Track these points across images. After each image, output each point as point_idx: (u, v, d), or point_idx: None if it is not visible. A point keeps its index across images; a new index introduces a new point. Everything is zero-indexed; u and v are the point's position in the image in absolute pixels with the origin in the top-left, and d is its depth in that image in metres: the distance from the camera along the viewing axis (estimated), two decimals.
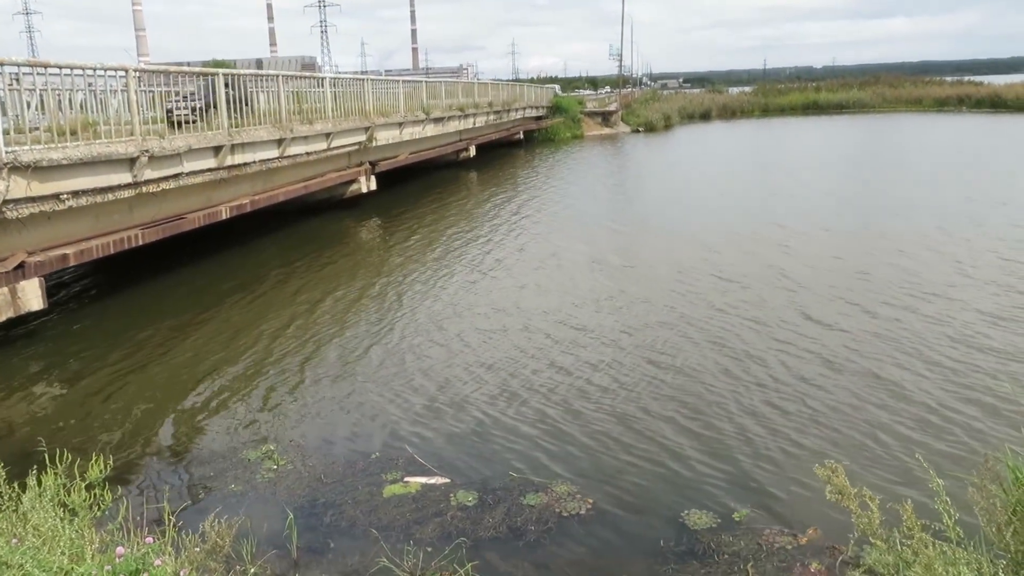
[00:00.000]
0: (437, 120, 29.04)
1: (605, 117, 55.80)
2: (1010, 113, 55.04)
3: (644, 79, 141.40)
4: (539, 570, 5.71)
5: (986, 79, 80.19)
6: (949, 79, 79.57)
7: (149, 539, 3.59)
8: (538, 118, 50.62)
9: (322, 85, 20.00)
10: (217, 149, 14.73)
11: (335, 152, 20.78)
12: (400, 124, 24.98)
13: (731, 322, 11.07)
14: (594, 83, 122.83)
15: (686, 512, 6.29)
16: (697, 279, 13.65)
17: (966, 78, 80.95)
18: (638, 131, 54.16)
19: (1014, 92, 59.45)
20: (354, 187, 22.40)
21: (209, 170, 14.62)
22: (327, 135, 19.64)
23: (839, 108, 67.44)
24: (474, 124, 34.57)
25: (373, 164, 23.36)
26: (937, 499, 2.67)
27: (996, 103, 59.67)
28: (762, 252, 15.67)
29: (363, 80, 23.20)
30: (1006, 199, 21.16)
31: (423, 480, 7.01)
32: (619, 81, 72.32)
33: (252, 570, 4.88)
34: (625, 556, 5.83)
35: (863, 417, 7.83)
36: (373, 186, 23.07)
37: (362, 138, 22.08)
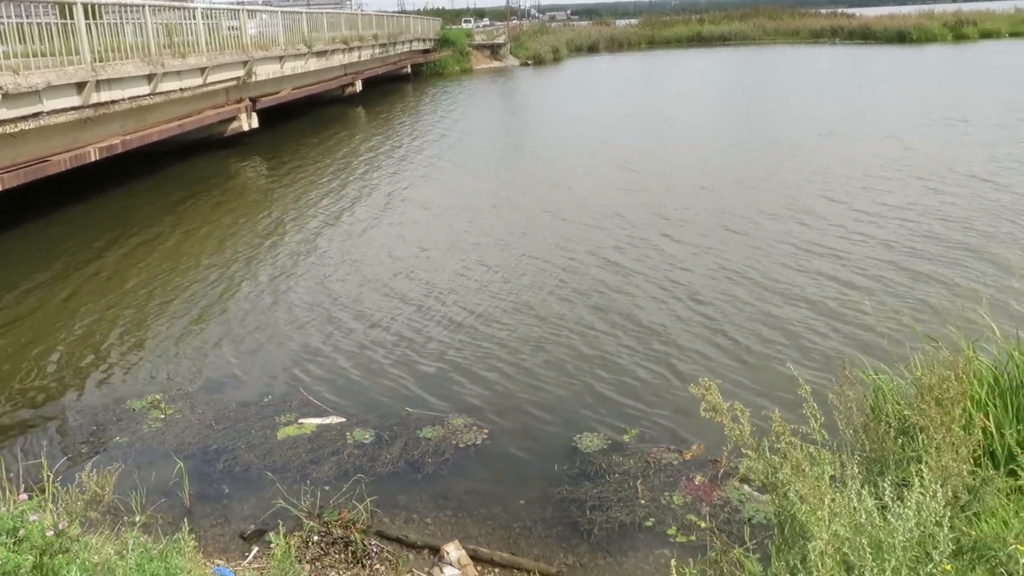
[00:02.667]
0: (320, 54, 27.99)
1: (494, 50, 55.08)
2: (879, 44, 57.51)
3: (532, 11, 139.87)
4: (437, 501, 5.82)
5: (857, 11, 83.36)
6: (824, 11, 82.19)
7: (23, 496, 3.44)
8: (426, 51, 49.51)
9: (194, 16, 18.86)
10: (81, 85, 13.77)
11: (212, 88, 19.79)
12: (281, 58, 23.95)
13: (613, 247, 11.31)
14: (481, 14, 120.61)
15: (578, 436, 6.50)
16: (586, 206, 13.83)
17: (839, 10, 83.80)
18: (527, 64, 53.79)
19: (882, 24, 62.03)
20: (235, 125, 21.44)
21: (73, 108, 13.69)
22: (202, 70, 18.64)
23: (722, 40, 68.79)
24: (359, 58, 33.51)
25: (254, 100, 22.39)
26: (805, 405, 2.86)
27: (866, 35, 62.16)
28: (646, 179, 15.99)
29: (239, 10, 22.03)
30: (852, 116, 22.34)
31: (318, 421, 6.97)
32: (507, 13, 71.33)
33: (141, 519, 4.77)
34: (521, 481, 6.00)
35: (741, 335, 8.21)
36: (255, 123, 22.14)
37: (240, 73, 21.08)
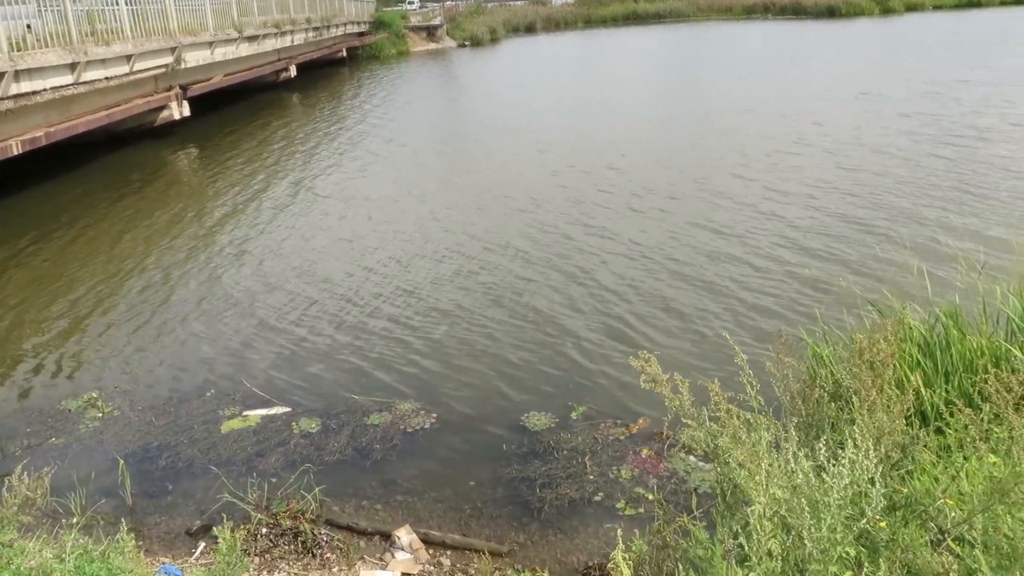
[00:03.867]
0: (252, 39, 27.32)
1: (430, 32, 54.51)
2: (809, 19, 58.54)
3: None
4: (387, 486, 5.79)
5: None
6: None
7: None
8: (361, 34, 48.72)
9: (117, 2, 18.20)
10: None
11: (140, 76, 19.16)
12: (211, 43, 23.30)
13: (554, 224, 11.35)
14: None
15: (526, 416, 6.53)
16: (528, 185, 13.83)
17: None
18: (464, 45, 53.38)
19: None
20: (165, 113, 20.83)
21: None
22: (128, 57, 18.03)
23: (657, 18, 69.27)
24: (293, 42, 32.81)
25: (184, 88, 21.76)
26: (742, 373, 2.91)
27: (797, 10, 63.16)
28: (589, 154, 16.05)
29: None
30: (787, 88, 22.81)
31: (263, 412, 6.86)
32: None
33: (80, 521, 4.64)
34: (470, 463, 6.01)
35: (683, 307, 8.33)
36: (187, 112, 21.54)
37: (169, 60, 20.46)
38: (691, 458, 5.69)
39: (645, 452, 5.91)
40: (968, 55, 29.15)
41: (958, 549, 2.49)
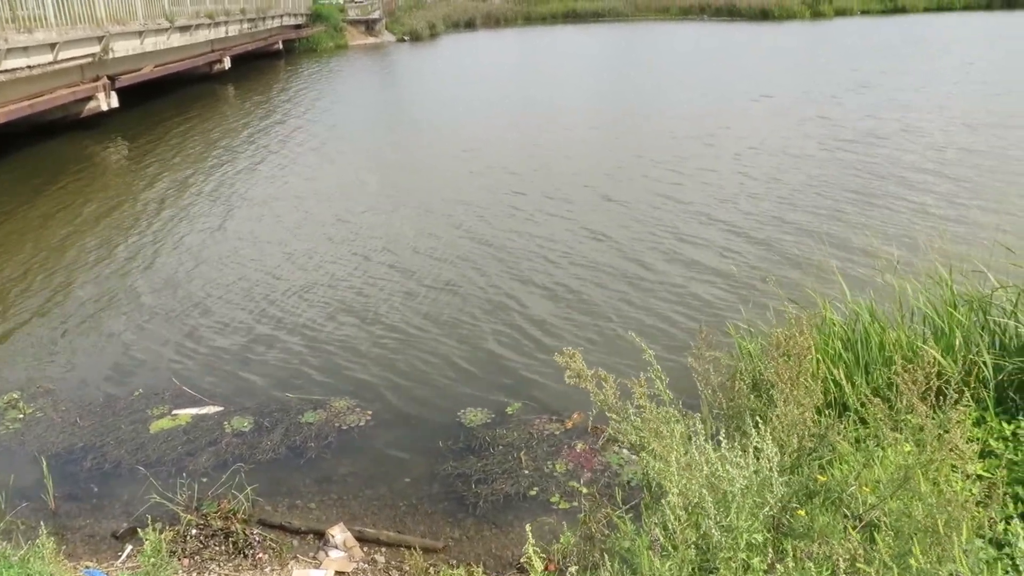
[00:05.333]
0: (184, 29, 26.63)
1: (369, 26, 53.93)
2: (744, 21, 59.82)
3: None
4: (321, 485, 5.75)
5: None
6: None
7: None
8: (298, 27, 47.91)
9: None
10: None
11: (64, 65, 18.51)
12: (141, 33, 22.64)
13: (486, 223, 11.39)
14: None
15: (462, 411, 6.55)
16: (466, 182, 13.84)
17: None
18: (404, 40, 52.98)
19: (746, 1, 64.49)
20: (92, 104, 20.15)
21: None
22: (52, 46, 17.40)
23: (596, 16, 69.89)
24: (227, 33, 32.10)
25: (112, 79, 21.08)
26: (651, 369, 3.00)
27: (732, 11, 64.50)
28: (521, 154, 16.13)
29: None
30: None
31: (193, 411, 6.73)
32: None
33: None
34: (406, 460, 6.01)
35: (610, 305, 8.45)
36: (115, 103, 20.88)
37: (96, 49, 19.81)
38: (624, 451, 5.79)
39: (580, 446, 5.99)
40: (883, 58, 30.17)
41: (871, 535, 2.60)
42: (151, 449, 6.20)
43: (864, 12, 61.45)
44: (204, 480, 5.72)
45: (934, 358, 3.89)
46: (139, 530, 5.13)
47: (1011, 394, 4.52)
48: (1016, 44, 34.08)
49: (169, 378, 7.34)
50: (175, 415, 6.68)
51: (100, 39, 19.83)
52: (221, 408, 6.79)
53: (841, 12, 60.94)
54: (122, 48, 21.49)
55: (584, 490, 5.37)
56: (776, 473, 2.27)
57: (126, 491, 5.71)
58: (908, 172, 13.30)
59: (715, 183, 13.26)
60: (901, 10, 61.31)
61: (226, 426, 6.47)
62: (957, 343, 4.78)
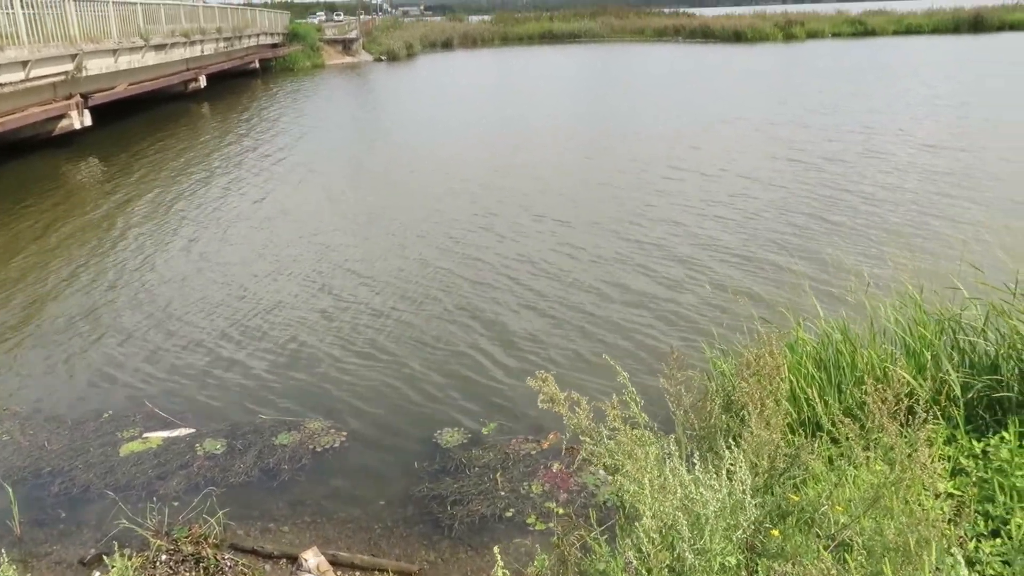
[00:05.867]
0: (159, 47, 26.54)
1: (346, 45, 54.04)
2: (718, 43, 60.66)
3: (384, 5, 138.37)
4: (295, 508, 5.68)
5: (698, 11, 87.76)
6: (667, 11, 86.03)
7: None
8: (274, 46, 47.89)
9: (12, 5, 17.40)
10: None
11: (37, 83, 18.36)
12: (115, 51, 22.52)
13: (461, 242, 11.39)
14: (332, 8, 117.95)
15: (438, 432, 6.51)
16: (439, 203, 13.85)
17: (681, 10, 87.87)
18: (381, 59, 53.15)
19: (720, 24, 65.50)
20: (65, 123, 19.99)
21: None
22: (24, 63, 17.27)
23: (572, 37, 70.51)
24: (202, 52, 32.03)
25: (86, 97, 20.94)
26: (625, 391, 3.00)
27: (706, 33, 65.46)
28: (502, 175, 16.19)
29: (64, 0, 20.50)
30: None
31: (165, 434, 6.64)
32: (358, 7, 70.13)
33: None
34: (381, 482, 5.95)
35: (585, 324, 8.47)
36: (88, 121, 20.72)
37: (69, 67, 19.67)
38: (601, 472, 5.77)
39: (556, 467, 5.97)
40: (851, 81, 30.70)
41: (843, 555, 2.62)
42: (121, 473, 6.10)
43: (835, 35, 62.60)
44: (175, 504, 5.63)
45: (904, 377, 3.94)
46: (106, 557, 5.04)
47: (981, 412, 4.58)
48: (981, 67, 34.84)
49: (140, 400, 7.24)
50: (146, 438, 6.58)
51: (73, 57, 19.70)
52: (193, 430, 6.69)
53: (813, 35, 62.04)
54: (96, 66, 21.36)
55: (560, 511, 5.35)
56: (749, 495, 2.27)
57: (94, 516, 5.60)
58: (875, 192, 13.50)
59: (685, 204, 13.37)
60: (871, 33, 62.54)
61: (198, 448, 6.38)
62: (927, 362, 4.84)
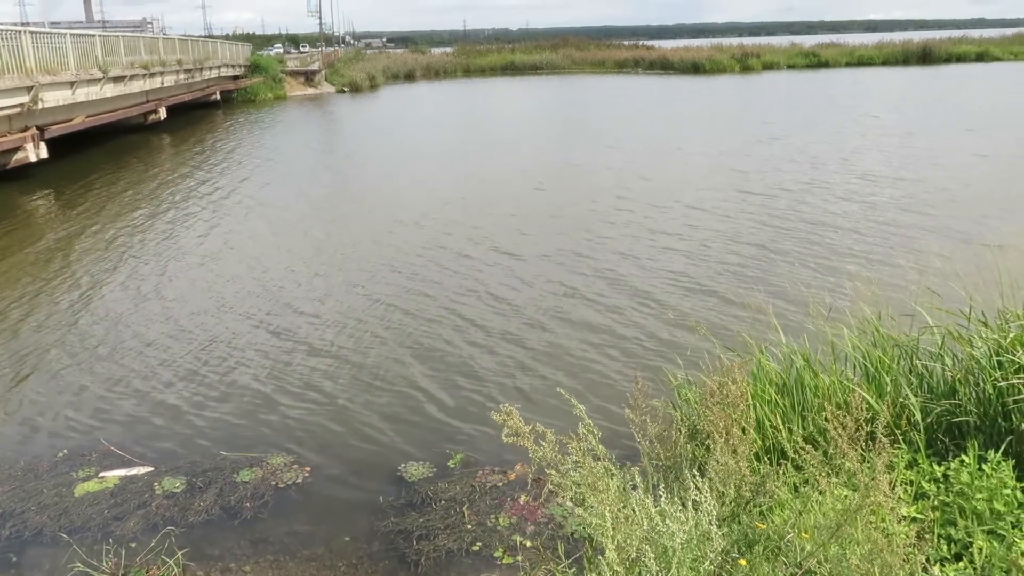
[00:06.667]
0: (118, 79, 26.31)
1: (308, 77, 54.11)
2: (676, 75, 61.85)
3: (347, 37, 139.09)
4: (257, 546, 5.55)
5: (657, 43, 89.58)
6: (627, 43, 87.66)
7: None
8: (236, 77, 47.80)
9: None
10: None
11: None
12: (72, 83, 22.28)
13: (421, 274, 11.38)
14: (295, 41, 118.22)
15: (403, 466, 6.43)
16: (397, 234, 13.83)
17: (640, 42, 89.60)
18: (343, 91, 53.31)
19: (678, 56, 66.89)
20: (20, 155, 19.67)
21: None
22: None
23: (534, 69, 71.43)
24: (163, 84, 31.82)
25: (42, 129, 20.65)
26: (582, 424, 3.00)
27: (665, 65, 66.78)
28: (464, 205, 16.24)
29: (20, 32, 20.26)
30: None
31: (122, 472, 6.47)
32: (320, 39, 70.36)
33: None
34: (345, 518, 5.85)
35: (550, 354, 8.48)
36: (44, 154, 20.41)
37: (24, 99, 19.40)
38: (569, 503, 5.73)
39: (523, 498, 5.92)
40: (800, 112, 31.50)
41: None
42: (76, 514, 5.92)
43: (790, 67, 64.22)
44: (132, 545, 5.47)
45: (865, 401, 3.99)
46: None
47: (940, 436, 4.65)
48: (926, 97, 35.95)
49: (96, 438, 7.05)
50: (102, 477, 6.41)
51: (29, 89, 19.44)
52: (151, 468, 6.53)
53: (769, 66, 63.59)
54: (52, 98, 21.10)
55: (527, 544, 5.30)
56: (715, 525, 2.27)
57: (48, 560, 5.42)
58: (825, 219, 13.79)
59: (635, 235, 13.52)
60: (824, 64, 64.28)
61: (156, 487, 6.23)
62: (887, 386, 4.91)
